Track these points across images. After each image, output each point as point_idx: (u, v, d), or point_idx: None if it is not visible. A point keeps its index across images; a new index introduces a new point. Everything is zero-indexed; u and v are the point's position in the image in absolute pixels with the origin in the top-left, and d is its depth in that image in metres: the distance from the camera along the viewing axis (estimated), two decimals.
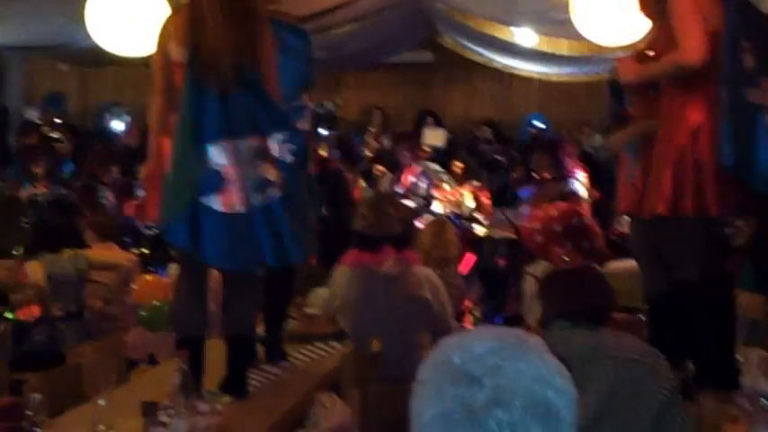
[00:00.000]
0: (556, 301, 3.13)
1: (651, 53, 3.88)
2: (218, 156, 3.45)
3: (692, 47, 3.56)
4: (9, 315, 5.87)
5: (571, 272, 3.26)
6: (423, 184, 8.58)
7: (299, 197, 3.64)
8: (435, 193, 8.47)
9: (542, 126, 10.89)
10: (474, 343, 1.38)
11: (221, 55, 3.49)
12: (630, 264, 5.96)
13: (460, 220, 8.16)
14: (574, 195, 7.21)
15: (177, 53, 3.53)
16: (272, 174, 3.55)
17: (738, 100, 3.61)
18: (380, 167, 9.54)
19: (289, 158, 3.56)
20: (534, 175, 8.13)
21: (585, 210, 6.88)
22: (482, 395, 1.33)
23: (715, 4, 3.58)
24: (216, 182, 3.46)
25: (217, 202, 3.45)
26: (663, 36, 3.75)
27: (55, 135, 10.36)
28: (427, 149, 9.49)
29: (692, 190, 3.54)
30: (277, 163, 3.54)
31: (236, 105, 3.51)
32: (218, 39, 3.51)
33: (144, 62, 7.01)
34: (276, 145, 3.54)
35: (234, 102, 3.51)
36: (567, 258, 3.40)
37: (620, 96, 4.28)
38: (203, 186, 3.45)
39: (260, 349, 4.28)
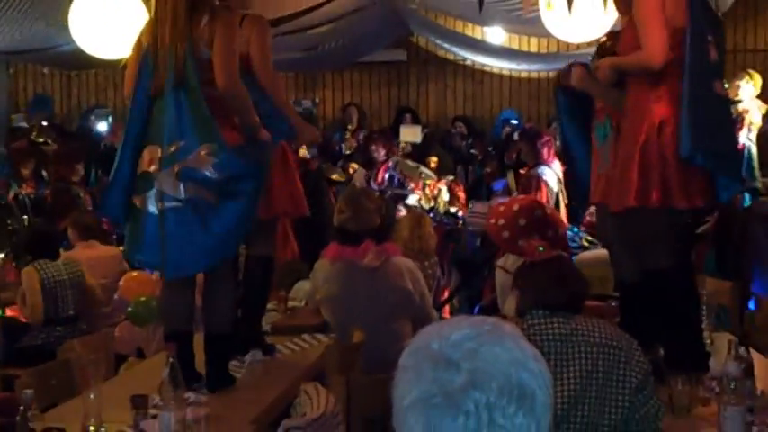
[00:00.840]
0: (532, 291, 3.13)
1: (606, 41, 3.89)
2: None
3: (655, 49, 3.56)
4: None
5: (545, 262, 3.25)
6: (395, 180, 8.59)
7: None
8: (412, 187, 8.48)
9: (515, 122, 10.91)
10: (452, 330, 1.39)
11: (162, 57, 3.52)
12: (602, 253, 5.99)
13: (436, 214, 8.17)
14: (537, 180, 7.22)
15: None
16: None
17: (707, 92, 3.63)
18: (354, 165, 9.53)
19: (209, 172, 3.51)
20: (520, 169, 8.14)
21: (544, 197, 6.90)
22: (460, 378, 1.33)
23: (679, 1, 3.58)
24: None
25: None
26: (629, 33, 3.75)
27: (41, 139, 10.28)
28: (403, 146, 9.48)
29: (658, 182, 3.54)
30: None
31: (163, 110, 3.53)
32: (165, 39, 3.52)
33: (124, 64, 7.01)
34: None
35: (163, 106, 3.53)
36: (542, 249, 3.41)
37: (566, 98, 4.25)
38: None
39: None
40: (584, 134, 4.14)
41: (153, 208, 3.49)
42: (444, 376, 1.34)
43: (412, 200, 8.39)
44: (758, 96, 8.74)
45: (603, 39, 4.03)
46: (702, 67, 3.57)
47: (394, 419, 1.38)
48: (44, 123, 10.65)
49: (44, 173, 9.61)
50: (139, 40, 3.62)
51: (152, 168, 3.49)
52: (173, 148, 3.45)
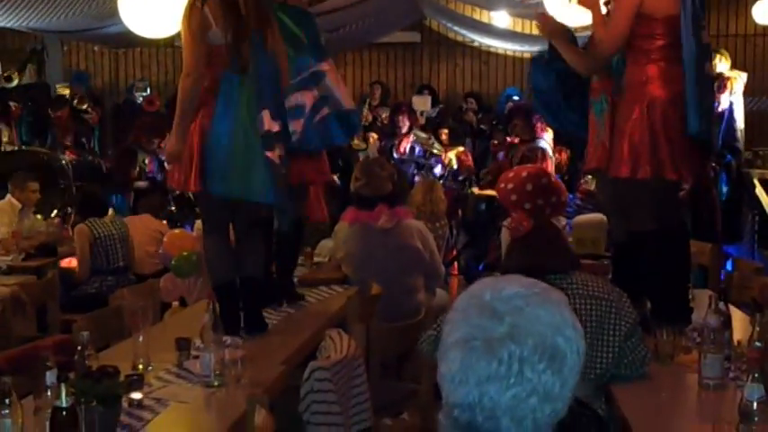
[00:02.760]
0: (515, 262, 3.14)
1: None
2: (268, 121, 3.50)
3: (609, 36, 3.55)
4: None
5: (526, 237, 3.26)
6: (417, 151, 8.60)
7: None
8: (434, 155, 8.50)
9: (517, 98, 10.86)
10: (505, 286, 1.39)
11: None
12: (595, 217, 6.00)
13: (446, 180, 8.17)
14: (542, 152, 7.23)
15: (218, 37, 3.47)
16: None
17: (702, 73, 3.60)
18: (374, 135, 9.51)
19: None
20: (508, 138, 8.13)
21: (550, 167, 6.90)
22: (501, 329, 1.34)
23: None
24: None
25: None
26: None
27: (83, 106, 10.29)
28: (420, 118, 9.47)
29: (649, 155, 3.53)
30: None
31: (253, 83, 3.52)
32: (249, 24, 3.49)
33: (166, 43, 7.05)
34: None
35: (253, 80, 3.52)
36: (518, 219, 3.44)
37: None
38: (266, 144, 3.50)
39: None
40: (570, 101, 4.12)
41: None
42: (488, 324, 1.35)
43: (438, 170, 8.40)
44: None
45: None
46: (699, 51, 3.54)
47: (438, 352, 1.40)
48: (81, 96, 10.67)
49: (83, 140, 9.68)
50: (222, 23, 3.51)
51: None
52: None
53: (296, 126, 3.90)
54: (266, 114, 3.49)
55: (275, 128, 3.55)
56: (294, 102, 3.94)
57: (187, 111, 3.49)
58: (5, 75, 10.10)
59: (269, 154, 3.49)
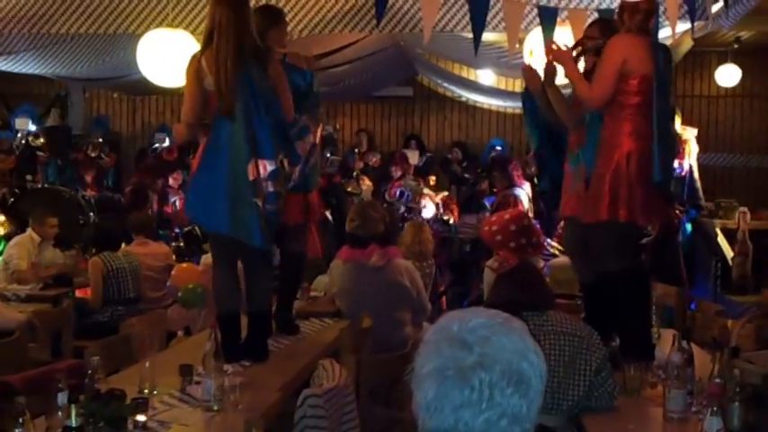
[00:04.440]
0: (500, 294, 3.14)
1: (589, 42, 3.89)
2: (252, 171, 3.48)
3: (598, 94, 3.58)
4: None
5: (512, 272, 3.26)
6: (405, 196, 8.64)
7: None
8: (424, 200, 8.54)
9: (500, 148, 10.94)
10: (471, 317, 1.40)
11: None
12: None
13: (433, 223, 8.19)
14: (514, 198, 7.30)
15: (211, 84, 3.50)
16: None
17: (668, 130, 3.65)
18: (368, 181, 9.55)
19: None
20: (494, 189, 8.19)
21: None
22: (471, 358, 1.34)
23: (646, 52, 3.57)
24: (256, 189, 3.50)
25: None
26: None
27: (93, 154, 10.32)
28: (410, 166, 9.54)
29: (626, 201, 3.55)
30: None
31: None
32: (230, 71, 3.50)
33: (179, 91, 7.07)
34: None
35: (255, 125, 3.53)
36: (505, 256, 3.46)
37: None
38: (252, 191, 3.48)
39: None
40: (553, 144, 4.16)
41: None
42: (458, 354, 1.35)
43: (427, 213, 8.43)
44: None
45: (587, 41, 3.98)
46: (665, 110, 3.59)
47: (413, 383, 1.40)
48: (99, 140, 10.71)
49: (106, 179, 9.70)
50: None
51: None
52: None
53: (294, 173, 3.90)
54: (256, 163, 3.47)
55: (268, 169, 3.53)
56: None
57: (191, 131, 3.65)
58: (33, 135, 10.11)
59: (257, 200, 3.47)
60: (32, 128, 10.21)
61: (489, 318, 1.40)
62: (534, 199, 7.65)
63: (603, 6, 4.86)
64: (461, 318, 1.41)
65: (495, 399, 1.32)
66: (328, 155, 9.11)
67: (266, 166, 3.49)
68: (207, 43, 3.55)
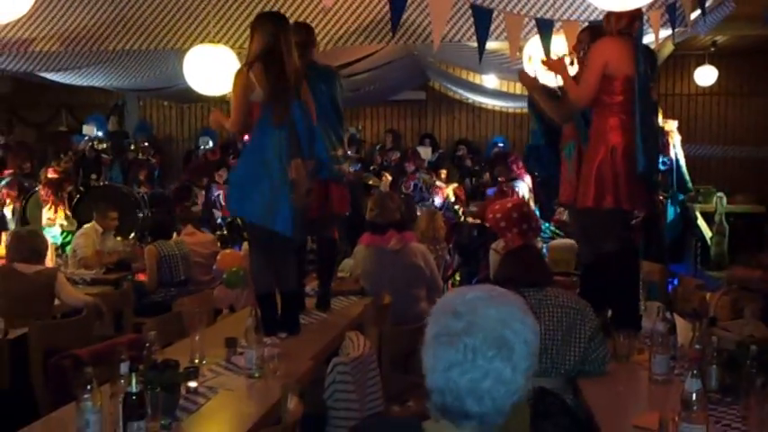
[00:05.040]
0: (505, 271, 3.14)
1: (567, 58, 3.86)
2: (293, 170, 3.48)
3: (583, 92, 3.55)
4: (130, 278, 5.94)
5: (516, 251, 3.25)
6: (420, 188, 8.64)
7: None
8: (435, 191, 8.55)
9: (502, 144, 10.89)
10: (469, 292, 1.42)
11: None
12: (567, 242, 5.98)
13: (445, 210, 8.18)
14: (512, 189, 7.30)
15: (259, 96, 3.51)
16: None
17: (651, 125, 3.61)
18: (387, 175, 9.54)
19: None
20: (499, 179, 8.14)
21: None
22: (459, 325, 1.36)
23: (628, 54, 3.53)
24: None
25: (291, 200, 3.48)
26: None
27: (142, 156, 10.40)
28: (423, 162, 9.53)
29: (612, 190, 3.53)
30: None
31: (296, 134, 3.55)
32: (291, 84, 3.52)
33: (221, 99, 7.16)
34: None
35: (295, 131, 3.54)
36: (510, 239, 3.47)
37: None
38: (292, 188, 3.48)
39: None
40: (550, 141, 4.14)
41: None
42: (450, 322, 1.37)
43: (437, 201, 8.43)
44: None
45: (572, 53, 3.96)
46: (647, 106, 3.55)
47: (422, 349, 1.42)
48: (145, 143, 10.77)
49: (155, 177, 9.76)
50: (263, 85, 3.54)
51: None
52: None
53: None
54: (296, 164, 3.49)
55: (308, 168, 3.55)
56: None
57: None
58: (98, 140, 10.23)
59: (293, 196, 3.49)
60: (98, 134, 10.31)
61: (484, 292, 1.41)
62: (534, 189, 7.61)
63: (593, 18, 4.82)
64: (461, 292, 1.43)
65: (477, 361, 1.34)
66: (350, 153, 9.10)
67: (306, 166, 3.52)
68: (258, 59, 3.51)
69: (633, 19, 3.56)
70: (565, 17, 4.85)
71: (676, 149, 8.24)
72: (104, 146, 9.93)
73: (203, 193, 8.52)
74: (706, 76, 9.83)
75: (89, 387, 2.15)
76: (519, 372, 1.35)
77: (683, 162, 8.25)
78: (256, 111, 3.52)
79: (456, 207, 8.51)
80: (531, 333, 1.38)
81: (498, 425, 1.38)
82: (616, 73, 3.50)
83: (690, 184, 8.33)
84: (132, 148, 10.69)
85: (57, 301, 4.54)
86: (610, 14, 3.59)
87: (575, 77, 3.73)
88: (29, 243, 4.52)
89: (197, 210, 7.86)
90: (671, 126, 8.37)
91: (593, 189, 3.53)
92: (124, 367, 2.35)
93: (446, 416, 1.38)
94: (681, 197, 8.21)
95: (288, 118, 3.49)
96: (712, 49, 9.56)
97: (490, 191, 8.25)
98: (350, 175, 8.52)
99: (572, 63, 3.85)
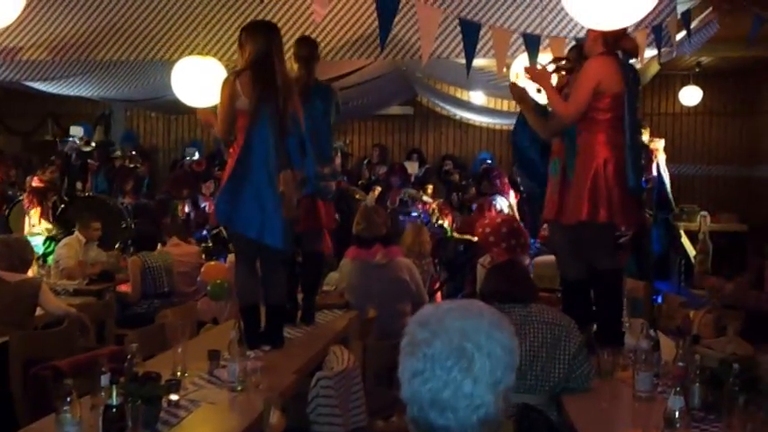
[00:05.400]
0: (490, 286, 3.13)
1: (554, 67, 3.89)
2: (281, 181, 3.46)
3: (572, 110, 3.57)
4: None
5: (501, 267, 3.25)
6: (407, 202, 8.65)
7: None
8: (421, 206, 8.55)
9: (489, 161, 10.93)
10: (444, 305, 1.43)
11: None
12: (553, 258, 5.98)
13: (431, 225, 8.18)
14: (489, 203, 7.34)
15: (245, 104, 3.49)
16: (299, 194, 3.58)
17: (636, 142, 3.64)
18: (377, 188, 9.55)
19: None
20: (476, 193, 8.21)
21: (494, 215, 6.94)
22: (422, 335, 1.37)
23: (618, 73, 3.56)
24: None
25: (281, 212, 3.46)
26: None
27: (131, 164, 10.33)
28: (410, 177, 9.56)
29: (606, 203, 3.53)
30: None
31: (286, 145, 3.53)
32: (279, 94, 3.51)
33: (210, 110, 7.14)
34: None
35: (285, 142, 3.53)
36: (497, 254, 3.47)
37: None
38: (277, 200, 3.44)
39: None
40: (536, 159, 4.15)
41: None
42: (415, 333, 1.38)
43: (424, 216, 8.44)
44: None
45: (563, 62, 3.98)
46: (635, 124, 3.59)
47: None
48: (133, 152, 10.74)
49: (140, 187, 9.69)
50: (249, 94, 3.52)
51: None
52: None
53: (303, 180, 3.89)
54: (285, 175, 3.47)
55: (297, 179, 3.53)
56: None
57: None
58: (84, 141, 10.17)
59: (281, 208, 3.46)
60: (83, 136, 10.23)
61: (461, 306, 1.41)
62: (519, 204, 7.65)
63: (580, 35, 4.86)
64: (440, 305, 1.44)
65: (435, 370, 1.34)
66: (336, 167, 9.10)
67: (295, 177, 3.50)
68: (248, 67, 3.50)
69: (619, 38, 3.60)
70: (552, 33, 4.89)
71: (661, 168, 8.32)
72: (91, 147, 9.84)
73: (184, 205, 8.47)
74: (691, 96, 9.94)
75: (68, 399, 2.12)
76: (481, 384, 1.33)
77: (667, 180, 8.33)
78: (243, 119, 3.50)
79: (441, 222, 8.52)
80: (499, 347, 1.36)
81: None
82: (607, 90, 3.53)
83: (673, 204, 8.40)
84: (119, 154, 10.61)
85: (38, 311, 4.49)
86: (599, 35, 3.60)
87: (559, 90, 3.75)
88: (17, 251, 4.47)
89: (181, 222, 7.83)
90: (657, 144, 8.45)
91: (587, 203, 3.53)
92: (105, 379, 2.32)
93: (418, 428, 1.38)
94: (665, 215, 8.28)
95: (275, 128, 3.47)
96: (697, 70, 9.67)
97: (474, 206, 8.28)
98: (336, 190, 8.56)
99: (556, 71, 3.87)
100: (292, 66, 4.22)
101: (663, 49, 4.95)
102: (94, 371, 2.40)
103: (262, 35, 3.53)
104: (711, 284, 4.17)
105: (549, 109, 3.89)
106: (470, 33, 4.38)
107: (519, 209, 7.68)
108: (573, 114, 3.57)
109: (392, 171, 9.33)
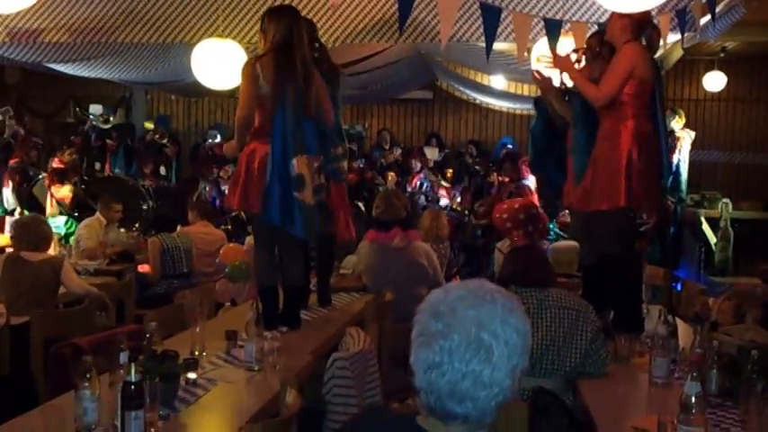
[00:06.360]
0: (508, 269, 3.13)
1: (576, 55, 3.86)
2: (300, 166, 3.46)
3: (605, 93, 3.54)
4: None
5: (520, 250, 3.24)
6: (425, 186, 8.64)
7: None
8: (439, 192, 8.55)
9: (510, 146, 10.87)
10: (455, 289, 1.40)
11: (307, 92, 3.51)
12: (571, 243, 5.96)
13: (451, 210, 8.17)
14: (528, 188, 7.25)
15: (266, 88, 3.48)
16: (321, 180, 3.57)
17: (665, 129, 3.62)
18: (392, 173, 9.54)
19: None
20: (499, 177, 8.15)
21: (535, 200, 6.89)
22: (436, 326, 1.35)
23: (649, 61, 3.56)
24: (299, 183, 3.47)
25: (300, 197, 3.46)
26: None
27: (163, 140, 10.44)
28: (429, 161, 9.54)
29: (626, 191, 3.51)
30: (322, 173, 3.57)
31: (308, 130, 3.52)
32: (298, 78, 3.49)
33: (229, 93, 7.18)
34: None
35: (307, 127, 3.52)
36: (516, 239, 3.46)
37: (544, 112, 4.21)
38: (295, 185, 3.45)
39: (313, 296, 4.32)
40: (553, 146, 4.13)
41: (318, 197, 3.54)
42: (429, 323, 1.36)
43: (443, 203, 8.43)
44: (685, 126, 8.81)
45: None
46: (663, 111, 3.57)
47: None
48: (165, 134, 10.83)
49: (162, 170, 9.75)
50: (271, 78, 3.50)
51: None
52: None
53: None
54: (299, 159, 3.48)
55: (314, 165, 3.52)
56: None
57: (242, 132, 3.58)
58: (104, 118, 10.27)
59: (297, 194, 3.46)
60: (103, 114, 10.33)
61: (469, 290, 1.39)
62: (538, 189, 7.61)
63: (602, 20, 4.80)
64: (446, 289, 1.41)
65: (454, 363, 1.33)
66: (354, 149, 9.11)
67: (313, 162, 3.49)
68: (270, 51, 3.49)
69: (644, 25, 3.57)
70: (574, 18, 4.83)
71: (681, 155, 8.27)
72: (109, 125, 9.90)
73: (212, 188, 8.54)
74: (715, 81, 9.79)
75: (88, 375, 2.15)
76: (501, 372, 1.33)
77: (684, 168, 8.28)
78: (263, 104, 3.50)
79: (460, 209, 8.51)
80: (515, 333, 1.35)
81: (485, 424, 1.37)
82: (638, 77, 3.52)
83: (684, 192, 8.35)
84: (151, 127, 10.69)
85: (62, 290, 4.55)
86: (628, 23, 3.55)
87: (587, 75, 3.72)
88: (33, 230, 4.53)
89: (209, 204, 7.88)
90: (685, 134, 8.40)
91: (610, 190, 3.51)
92: (123, 357, 2.35)
93: (433, 414, 1.37)
94: (677, 204, 8.23)
95: (295, 112, 3.48)
96: (722, 55, 9.52)
97: (494, 190, 8.26)
98: (352, 174, 8.57)
99: (578, 61, 3.84)
100: None
101: (686, 34, 4.87)
102: (114, 349, 2.42)
103: (285, 20, 3.52)
104: (743, 289, 4.13)
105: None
106: (491, 17, 4.34)
107: (539, 194, 7.65)
108: (605, 98, 3.54)
109: (410, 154, 9.32)
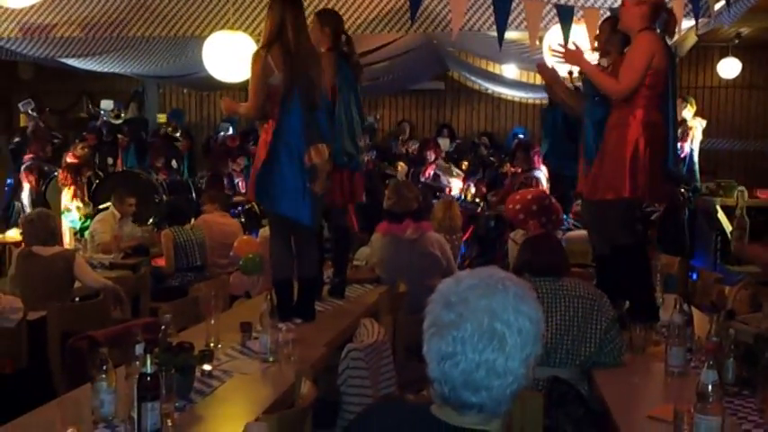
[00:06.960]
0: (523, 258, 3.12)
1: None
2: (315, 155, 3.46)
3: (624, 86, 3.50)
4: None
5: (536, 239, 3.23)
6: (439, 175, 8.63)
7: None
8: (453, 182, 8.53)
9: (522, 136, 10.82)
10: (467, 278, 1.39)
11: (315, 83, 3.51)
12: (584, 233, 5.93)
13: (465, 201, 8.16)
14: (536, 180, 7.22)
15: (278, 80, 3.47)
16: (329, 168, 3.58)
17: (675, 120, 3.58)
18: (402, 164, 9.54)
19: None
20: (512, 168, 8.12)
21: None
22: (448, 317, 1.34)
23: (665, 49, 3.51)
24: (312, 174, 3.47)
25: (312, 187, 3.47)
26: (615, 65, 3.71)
27: (176, 134, 10.48)
28: (442, 151, 9.53)
29: (634, 181, 3.49)
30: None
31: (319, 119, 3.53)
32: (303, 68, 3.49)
33: (241, 87, 7.19)
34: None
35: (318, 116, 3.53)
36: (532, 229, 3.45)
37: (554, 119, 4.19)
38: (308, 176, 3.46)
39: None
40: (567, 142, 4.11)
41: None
42: (441, 314, 1.36)
43: (455, 191, 8.42)
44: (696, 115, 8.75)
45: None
46: (675, 101, 3.54)
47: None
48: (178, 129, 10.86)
49: (173, 163, 9.78)
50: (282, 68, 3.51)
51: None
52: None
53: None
54: (314, 149, 3.47)
55: (325, 153, 3.52)
56: None
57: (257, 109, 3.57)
58: (115, 113, 10.31)
59: (309, 185, 3.47)
60: (115, 109, 10.37)
61: (481, 280, 1.38)
62: (550, 179, 7.57)
63: (615, 6, 4.76)
64: (457, 278, 1.40)
65: (467, 354, 1.32)
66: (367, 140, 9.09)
67: (326, 151, 3.50)
68: (275, 41, 3.46)
69: (660, 11, 3.53)
70: (587, 5, 4.80)
71: (693, 144, 8.21)
72: (121, 120, 9.92)
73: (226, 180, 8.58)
74: (730, 68, 9.69)
75: (104, 368, 2.17)
76: (514, 360, 1.33)
77: (696, 159, 8.23)
78: (275, 94, 3.50)
79: (474, 200, 8.49)
80: (528, 321, 1.34)
81: (500, 413, 1.37)
82: (654, 66, 3.48)
83: (698, 183, 8.30)
84: (164, 120, 10.73)
85: (77, 284, 4.59)
86: (646, 11, 3.51)
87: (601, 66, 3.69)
88: (40, 224, 4.57)
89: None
90: (697, 123, 8.33)
91: (618, 179, 3.49)
92: (139, 348, 2.36)
93: (448, 404, 1.37)
94: (690, 193, 8.18)
95: (308, 102, 3.48)
96: (736, 41, 9.42)
97: (506, 181, 8.23)
98: (369, 164, 8.56)
99: (594, 49, 3.81)
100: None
101: (700, 20, 4.82)
102: (129, 341, 2.44)
103: (278, 7, 3.50)
104: (755, 252, 4.06)
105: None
106: (502, 5, 4.31)
107: (551, 184, 7.61)
108: (625, 90, 3.49)
109: (425, 145, 9.31)
